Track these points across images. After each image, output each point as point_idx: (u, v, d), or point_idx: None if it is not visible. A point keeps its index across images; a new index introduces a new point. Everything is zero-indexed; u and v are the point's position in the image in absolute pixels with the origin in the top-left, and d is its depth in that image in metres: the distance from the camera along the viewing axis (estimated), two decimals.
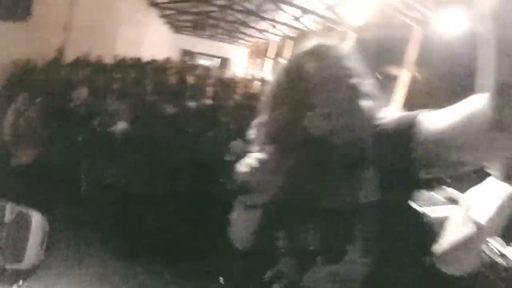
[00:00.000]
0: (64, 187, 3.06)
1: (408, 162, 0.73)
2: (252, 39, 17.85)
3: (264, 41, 17.44)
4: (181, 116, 3.28)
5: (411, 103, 7.55)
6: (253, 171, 0.74)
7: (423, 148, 0.71)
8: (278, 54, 16.02)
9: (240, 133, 3.46)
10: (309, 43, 0.83)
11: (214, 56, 20.70)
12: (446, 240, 1.72)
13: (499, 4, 0.52)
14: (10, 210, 1.51)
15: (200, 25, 15.47)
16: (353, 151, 0.78)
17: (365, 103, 0.79)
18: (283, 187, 0.80)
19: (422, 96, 7.20)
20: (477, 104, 0.62)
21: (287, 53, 14.19)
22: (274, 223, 0.83)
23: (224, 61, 20.52)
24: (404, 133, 0.73)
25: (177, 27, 17.55)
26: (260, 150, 0.76)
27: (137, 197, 2.68)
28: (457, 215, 1.74)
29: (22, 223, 1.53)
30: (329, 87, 0.76)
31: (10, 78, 4.64)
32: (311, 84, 0.76)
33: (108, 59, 7.95)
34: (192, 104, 4.12)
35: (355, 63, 0.82)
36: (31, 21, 4.96)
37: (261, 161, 0.74)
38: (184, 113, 3.45)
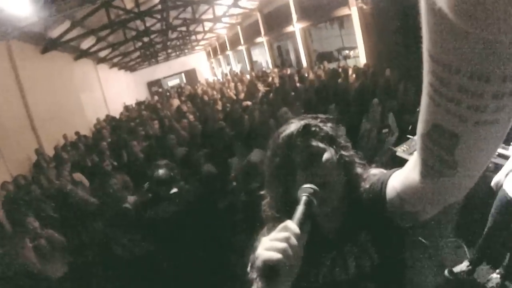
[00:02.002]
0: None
1: (387, 220, 0.75)
2: (204, 42, 17.70)
3: (214, 37, 17.33)
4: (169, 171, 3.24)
5: (369, 31, 7.53)
6: (285, 254, 0.57)
7: (389, 206, 0.73)
8: (232, 43, 15.92)
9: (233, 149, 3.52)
10: (296, 124, 0.84)
11: (179, 73, 20.61)
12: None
13: None
14: None
15: (149, 55, 15.39)
16: (345, 217, 0.83)
17: (352, 172, 0.83)
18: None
19: (376, 22, 7.15)
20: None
21: (240, 39, 14.14)
22: None
23: (190, 73, 20.42)
24: (378, 196, 0.76)
25: (131, 67, 17.50)
26: (281, 228, 0.61)
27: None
28: None
29: None
30: (318, 163, 0.78)
31: (9, 200, 4.75)
32: (302, 162, 0.79)
33: (83, 130, 8.09)
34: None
35: (339, 137, 0.84)
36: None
37: (287, 239, 0.59)
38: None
